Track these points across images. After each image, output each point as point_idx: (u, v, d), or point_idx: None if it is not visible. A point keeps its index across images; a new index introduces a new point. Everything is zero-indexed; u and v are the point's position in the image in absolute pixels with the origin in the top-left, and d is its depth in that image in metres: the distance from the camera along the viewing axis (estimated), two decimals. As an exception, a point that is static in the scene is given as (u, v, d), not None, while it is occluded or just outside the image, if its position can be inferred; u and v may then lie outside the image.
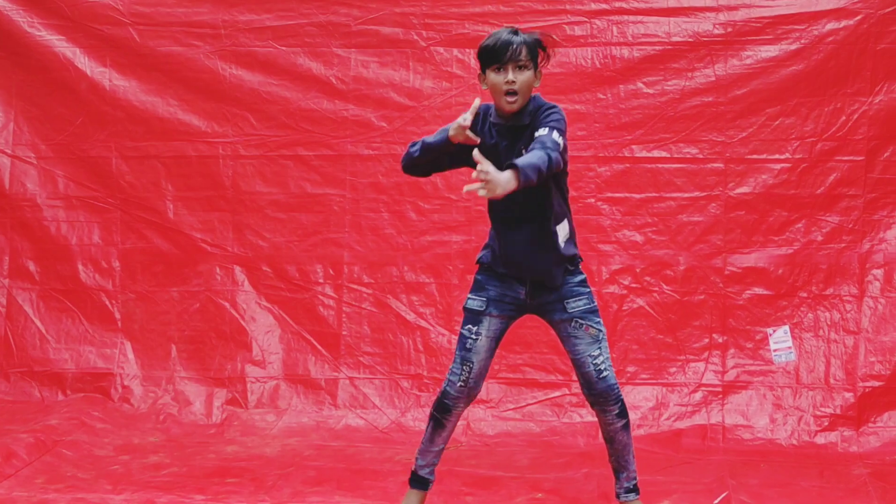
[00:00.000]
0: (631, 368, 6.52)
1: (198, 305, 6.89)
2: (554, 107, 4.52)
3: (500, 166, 4.17)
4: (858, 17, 6.40)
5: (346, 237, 6.82)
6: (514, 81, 4.44)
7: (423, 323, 6.72)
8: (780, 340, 6.41)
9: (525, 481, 5.56)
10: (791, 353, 6.41)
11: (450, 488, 5.31)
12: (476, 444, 6.20)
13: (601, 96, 6.64)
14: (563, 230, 4.64)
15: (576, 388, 6.43)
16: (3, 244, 7.04)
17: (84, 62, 6.95)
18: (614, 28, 6.61)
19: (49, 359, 6.93)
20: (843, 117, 6.45)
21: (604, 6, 6.61)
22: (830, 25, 6.43)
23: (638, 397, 6.43)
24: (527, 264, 4.61)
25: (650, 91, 6.60)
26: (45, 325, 6.98)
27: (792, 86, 6.48)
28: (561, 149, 4.37)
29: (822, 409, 6.30)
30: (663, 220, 6.58)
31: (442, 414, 4.74)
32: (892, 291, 6.40)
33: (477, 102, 4.50)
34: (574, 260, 4.70)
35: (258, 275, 6.88)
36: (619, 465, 4.81)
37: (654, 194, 6.56)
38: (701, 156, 6.56)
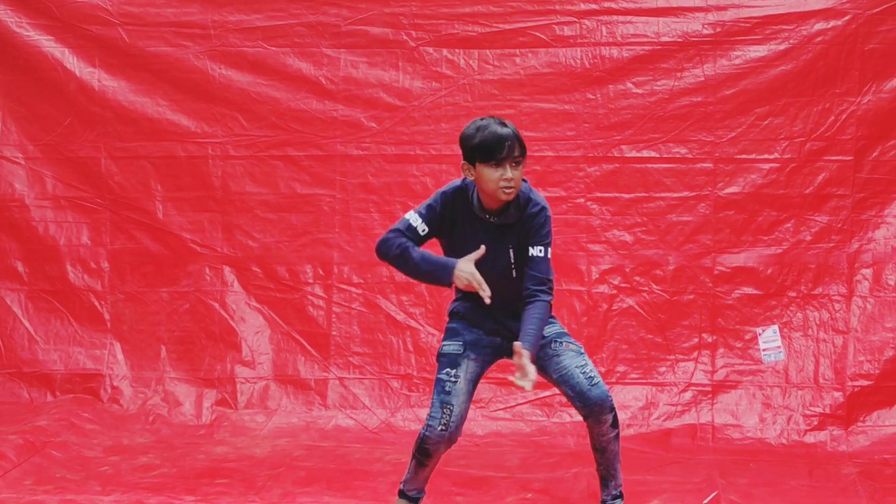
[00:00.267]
0: (621, 368, 6.53)
1: (187, 306, 6.88)
2: (543, 209, 4.54)
3: (485, 257, 4.39)
4: (847, 18, 6.42)
5: (335, 237, 6.81)
6: (512, 178, 4.44)
7: (412, 323, 6.72)
8: (770, 340, 6.42)
9: (515, 481, 5.56)
10: (780, 352, 6.42)
11: (440, 488, 5.31)
12: (466, 444, 6.19)
13: (590, 96, 6.64)
14: None
15: (566, 387, 6.44)
16: (-9, 245, 7.03)
17: (73, 62, 6.93)
18: (603, 28, 6.62)
19: (38, 360, 6.91)
20: (832, 117, 6.46)
21: (593, 6, 6.61)
22: (819, 25, 6.45)
23: (628, 397, 6.44)
24: (507, 321, 4.61)
25: (639, 91, 6.61)
26: (33, 326, 6.96)
27: (781, 86, 6.49)
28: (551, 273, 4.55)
29: (812, 409, 6.31)
30: (653, 219, 6.59)
31: (423, 456, 4.67)
32: (881, 291, 6.42)
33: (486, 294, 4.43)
34: None
35: (248, 275, 6.87)
36: (608, 473, 4.79)
37: (643, 194, 6.57)
38: (690, 156, 6.57)
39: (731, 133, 6.55)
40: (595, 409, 4.57)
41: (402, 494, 4.83)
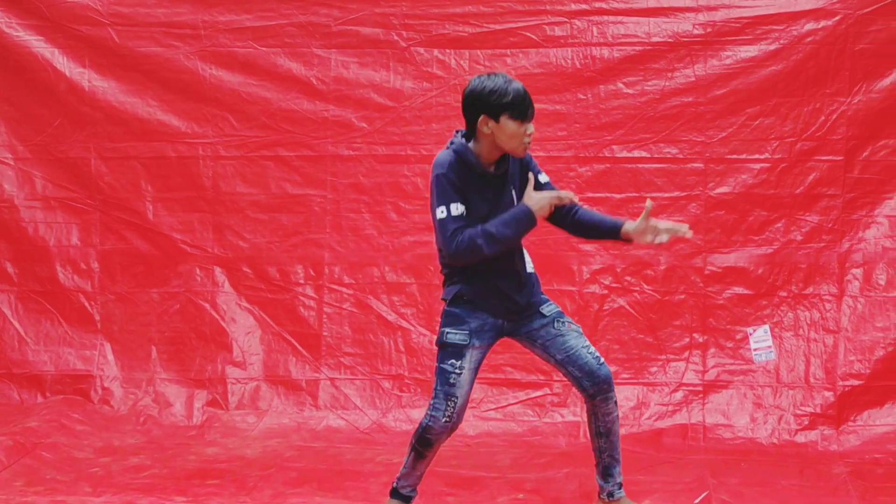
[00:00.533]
0: (612, 368, 6.45)
1: (178, 307, 6.86)
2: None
3: (495, 211, 4.49)
4: (837, 18, 6.43)
5: (326, 238, 6.81)
6: (532, 134, 4.53)
7: (404, 323, 6.72)
8: (761, 340, 6.43)
9: (506, 481, 5.56)
10: (771, 352, 6.43)
11: (431, 489, 5.30)
12: (457, 444, 6.18)
13: (581, 96, 6.65)
14: (526, 254, 4.75)
15: (557, 388, 6.46)
16: (-20, 246, 7.01)
17: (63, 63, 6.91)
18: (594, 28, 6.62)
19: (28, 361, 6.89)
20: (823, 117, 6.48)
21: (584, 6, 6.62)
22: (809, 26, 6.46)
23: (619, 397, 6.26)
24: (513, 294, 4.63)
25: (630, 91, 6.62)
26: (23, 327, 6.94)
27: (771, 86, 6.50)
28: None
29: (803, 408, 6.32)
30: (644, 219, 6.59)
31: (424, 447, 4.70)
32: (872, 291, 6.43)
33: (571, 195, 4.58)
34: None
35: (238, 276, 6.86)
36: (613, 459, 4.80)
37: (634, 194, 6.57)
38: (681, 156, 6.58)
39: (721, 133, 6.55)
40: (604, 387, 4.67)
41: (395, 493, 4.82)
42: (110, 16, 6.86)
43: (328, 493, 5.39)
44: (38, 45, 6.91)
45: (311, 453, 6.06)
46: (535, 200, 4.51)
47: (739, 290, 6.53)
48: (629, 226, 4.61)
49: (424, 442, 4.68)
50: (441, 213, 4.47)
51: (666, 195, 6.55)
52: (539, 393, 6.52)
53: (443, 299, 4.72)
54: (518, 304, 4.64)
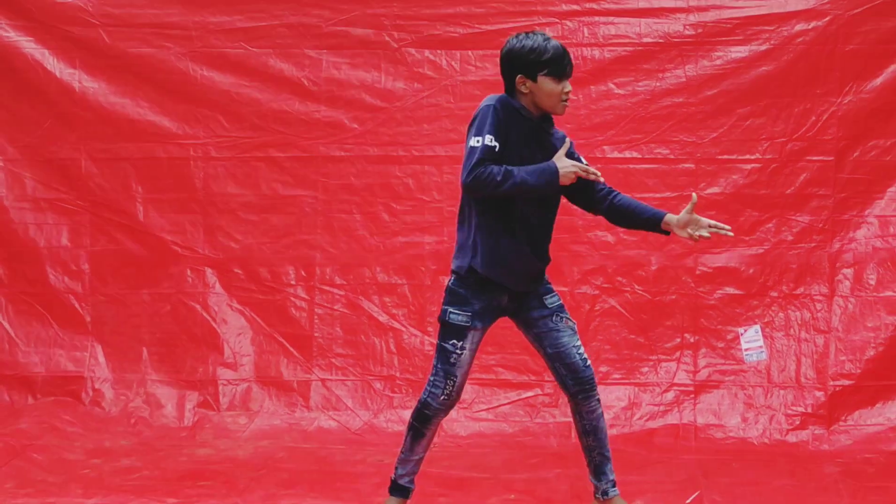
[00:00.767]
0: (603, 368, 6.54)
1: (169, 308, 6.85)
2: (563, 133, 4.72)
3: (536, 159, 4.49)
4: (827, 19, 6.44)
5: (318, 238, 6.80)
6: (570, 92, 4.59)
7: (395, 324, 6.72)
8: (752, 340, 6.43)
9: (498, 482, 5.56)
10: (762, 352, 6.43)
11: (423, 489, 5.30)
12: (449, 444, 6.19)
13: (572, 97, 6.61)
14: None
15: (548, 388, 6.46)
16: (-30, 247, 6.99)
17: (53, 63, 6.90)
18: (585, 29, 6.63)
19: (18, 362, 6.87)
20: (813, 118, 6.49)
21: (574, 7, 6.62)
22: (800, 26, 6.47)
23: (610, 397, 6.44)
24: (526, 269, 4.63)
25: (621, 92, 6.63)
26: (13, 329, 6.92)
27: (762, 86, 6.51)
28: None
29: (794, 408, 6.33)
30: (635, 220, 6.59)
31: (422, 424, 4.72)
32: (862, 291, 6.45)
33: (597, 173, 4.57)
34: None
35: (230, 277, 6.85)
36: (603, 456, 4.81)
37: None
38: (672, 156, 6.59)
39: (712, 133, 6.56)
40: (586, 386, 4.70)
41: (394, 487, 4.82)
42: (101, 16, 6.84)
43: (319, 494, 5.38)
44: (29, 45, 6.89)
45: (302, 454, 6.05)
46: (564, 163, 4.51)
47: (730, 290, 6.54)
48: (671, 217, 4.60)
49: (423, 418, 4.70)
50: (475, 141, 4.41)
51: (657, 195, 6.55)
52: (530, 393, 6.52)
53: (452, 271, 4.65)
54: (526, 282, 4.64)
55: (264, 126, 6.82)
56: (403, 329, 6.70)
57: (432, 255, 6.67)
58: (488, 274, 4.56)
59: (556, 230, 6.45)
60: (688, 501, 5.24)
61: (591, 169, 4.55)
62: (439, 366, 4.65)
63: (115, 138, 6.89)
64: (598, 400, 4.77)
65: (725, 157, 6.55)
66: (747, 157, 6.54)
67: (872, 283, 6.44)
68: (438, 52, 6.71)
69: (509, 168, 4.41)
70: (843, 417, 6.28)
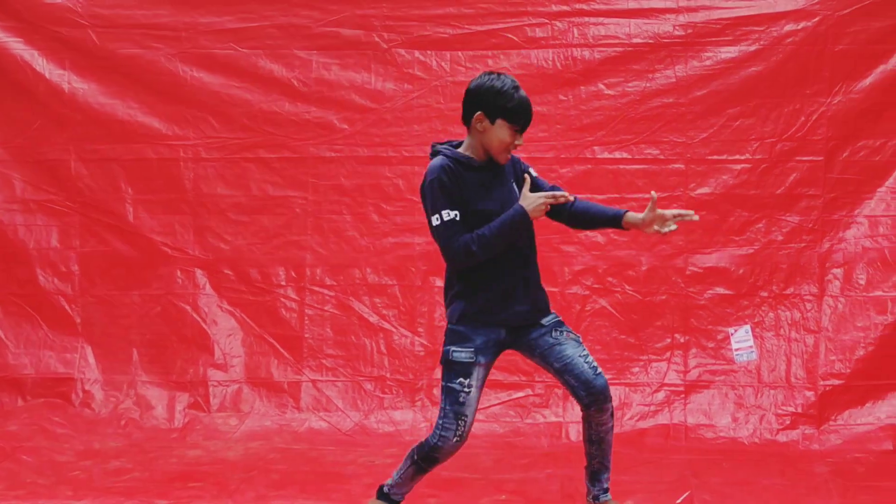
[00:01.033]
0: (594, 369, 6.54)
1: (159, 309, 6.84)
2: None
3: (505, 203, 4.47)
4: (816, 19, 6.46)
5: (308, 239, 6.80)
6: (518, 146, 4.55)
7: (385, 325, 6.71)
8: (742, 340, 6.45)
9: (489, 482, 5.56)
10: (752, 352, 6.44)
11: (414, 490, 5.29)
12: (440, 445, 6.19)
13: (562, 98, 6.65)
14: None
15: (539, 388, 6.46)
16: (-40, 249, 6.97)
17: (42, 64, 6.88)
18: (575, 30, 6.63)
19: (8, 364, 6.85)
20: (803, 118, 6.50)
21: (564, 8, 6.63)
22: (789, 27, 6.48)
23: (601, 398, 6.44)
24: (524, 300, 4.59)
25: (611, 92, 6.63)
26: (3, 330, 6.90)
27: (752, 87, 6.52)
28: None
29: (784, 408, 6.34)
30: (625, 220, 6.60)
31: (429, 465, 4.67)
32: (852, 290, 6.46)
33: (565, 194, 4.54)
34: None
35: (220, 278, 6.84)
36: (602, 466, 4.79)
37: (615, 195, 6.58)
38: (662, 157, 6.60)
39: (702, 134, 6.57)
40: (599, 398, 4.61)
41: (382, 496, 4.80)
42: (90, 17, 6.83)
43: (310, 496, 5.38)
44: (18, 46, 6.88)
45: (293, 455, 6.05)
46: (531, 201, 4.46)
47: (721, 290, 6.55)
48: (631, 216, 4.59)
49: (430, 460, 4.64)
50: (435, 220, 4.45)
51: (647, 196, 6.54)
52: (521, 394, 6.52)
53: (447, 319, 4.65)
54: (520, 312, 4.60)
55: (254, 127, 6.81)
56: (394, 330, 6.70)
57: (422, 255, 6.67)
58: (479, 314, 4.57)
59: (547, 231, 6.49)
60: (678, 501, 5.24)
61: (558, 192, 4.52)
62: (448, 408, 4.55)
63: (105, 139, 6.88)
64: (612, 413, 4.69)
65: (715, 157, 6.56)
66: (737, 157, 6.55)
67: (862, 282, 6.45)
68: (428, 52, 6.71)
69: (480, 232, 4.43)
70: (833, 417, 6.29)
